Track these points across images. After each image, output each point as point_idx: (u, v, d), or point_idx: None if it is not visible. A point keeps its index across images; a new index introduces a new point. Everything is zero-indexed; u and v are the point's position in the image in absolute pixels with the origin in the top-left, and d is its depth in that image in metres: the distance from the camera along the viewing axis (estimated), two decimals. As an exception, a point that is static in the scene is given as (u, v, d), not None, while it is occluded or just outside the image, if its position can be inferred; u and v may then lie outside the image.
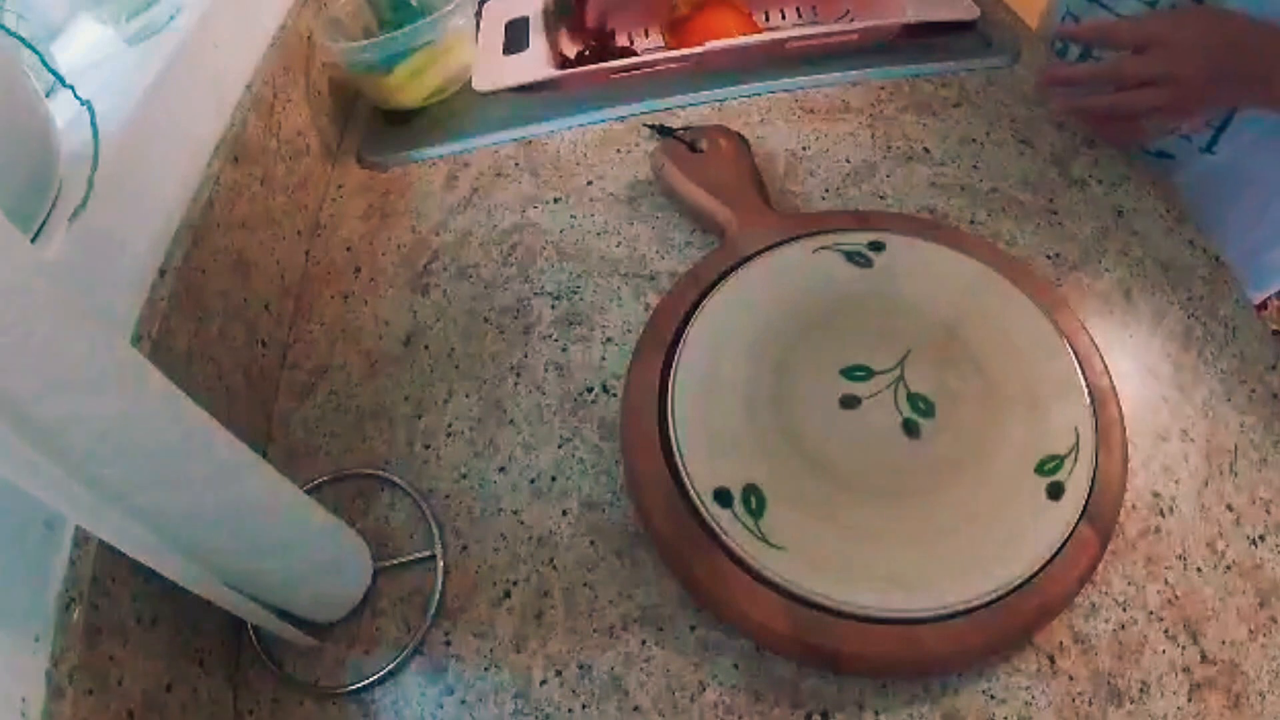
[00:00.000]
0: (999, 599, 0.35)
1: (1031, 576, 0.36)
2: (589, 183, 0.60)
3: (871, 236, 0.49)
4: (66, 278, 0.37)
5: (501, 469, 0.45)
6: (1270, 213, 0.61)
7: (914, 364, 0.43)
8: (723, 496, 0.38)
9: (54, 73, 0.42)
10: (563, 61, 0.77)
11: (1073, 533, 0.37)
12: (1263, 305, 1.32)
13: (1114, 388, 0.42)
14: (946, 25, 0.67)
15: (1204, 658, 0.36)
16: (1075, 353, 0.43)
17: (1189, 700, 0.35)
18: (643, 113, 0.64)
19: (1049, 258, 0.51)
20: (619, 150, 0.62)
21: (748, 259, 0.48)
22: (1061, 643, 0.37)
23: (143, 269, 0.42)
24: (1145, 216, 0.53)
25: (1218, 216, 0.55)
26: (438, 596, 0.40)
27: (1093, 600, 0.38)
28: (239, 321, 0.48)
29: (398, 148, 0.65)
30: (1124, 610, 0.37)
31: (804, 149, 0.59)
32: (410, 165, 0.64)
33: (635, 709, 0.36)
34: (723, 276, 0.48)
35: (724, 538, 0.37)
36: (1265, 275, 0.67)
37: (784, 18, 0.81)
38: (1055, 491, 0.38)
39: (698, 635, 0.38)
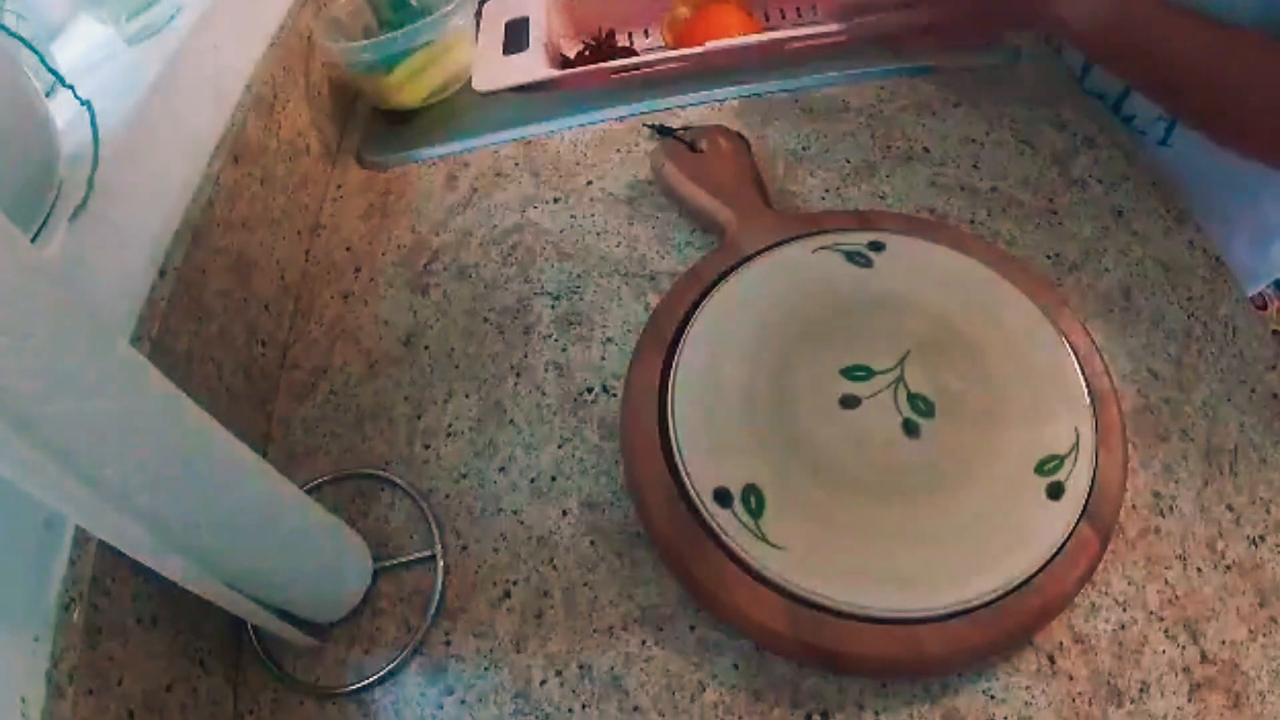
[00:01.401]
0: (999, 599, 0.35)
1: (1031, 576, 0.36)
2: (589, 183, 0.60)
3: (871, 236, 0.49)
4: (66, 278, 0.37)
5: (501, 469, 0.45)
6: (1233, 211, 0.61)
7: (914, 364, 0.43)
8: (723, 496, 0.38)
9: (54, 73, 0.42)
10: (563, 61, 0.77)
11: (1073, 533, 0.37)
12: (1263, 305, 1.32)
13: (1114, 388, 0.42)
14: (946, 25, 0.67)
15: (1204, 658, 0.36)
16: (1075, 353, 0.43)
17: (1189, 700, 0.35)
18: (643, 113, 0.64)
19: (1049, 258, 0.51)
20: (619, 150, 0.62)
21: (748, 259, 0.48)
22: (1061, 643, 0.37)
23: (143, 269, 0.42)
24: (1145, 216, 0.53)
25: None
26: (438, 596, 0.40)
27: (1093, 600, 0.38)
28: (239, 321, 0.48)
29: (398, 148, 0.65)
30: (1124, 610, 0.37)
31: (804, 149, 0.59)
32: (410, 165, 0.64)
33: (635, 709, 0.36)
34: (723, 276, 0.48)
35: (724, 538, 0.37)
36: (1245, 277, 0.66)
37: (784, 18, 0.81)
38: (1055, 491, 0.38)
39: (698, 635, 0.38)
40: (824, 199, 0.56)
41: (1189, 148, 0.58)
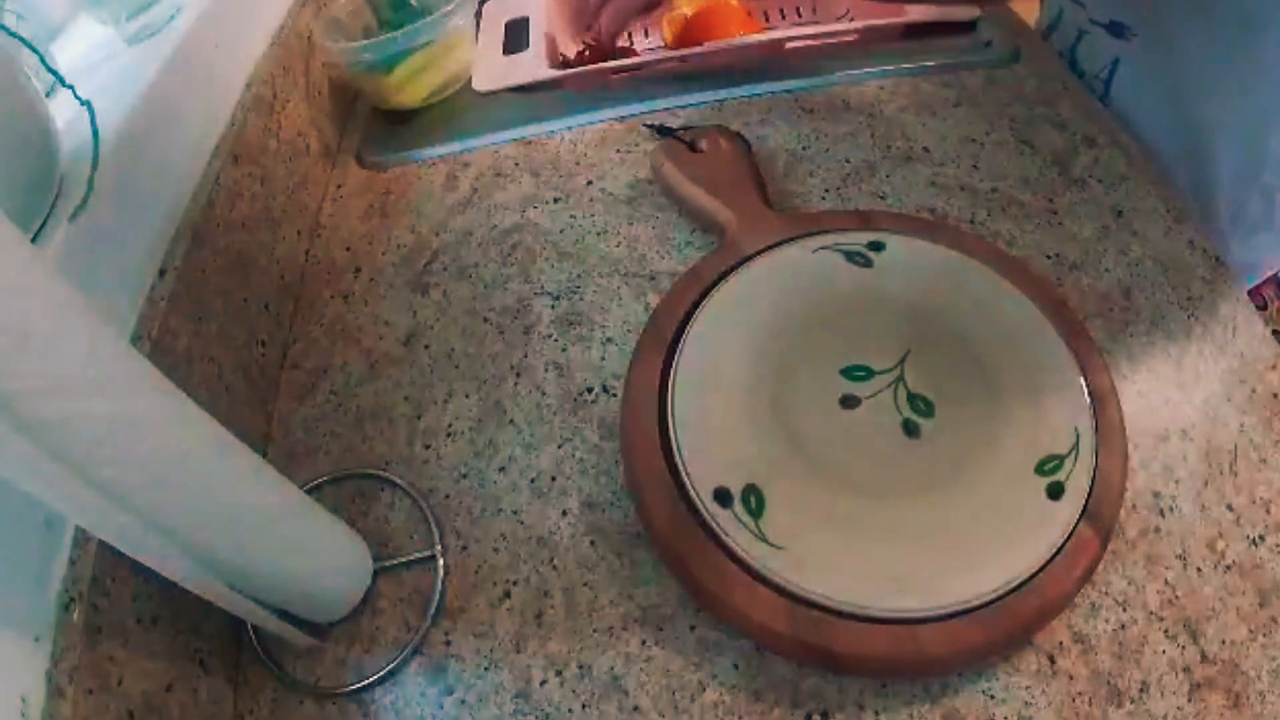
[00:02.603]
0: (999, 599, 0.35)
1: (1031, 576, 0.36)
2: (589, 183, 0.60)
3: (871, 236, 0.49)
4: (66, 278, 0.37)
5: (501, 469, 0.45)
6: (1172, 169, 0.60)
7: (914, 364, 0.43)
8: (723, 496, 0.38)
9: (54, 73, 0.42)
10: (563, 61, 0.77)
11: (1073, 533, 0.37)
12: (1263, 305, 1.32)
13: (1114, 388, 0.42)
14: (946, 25, 0.67)
15: (1204, 658, 0.36)
16: (1075, 352, 0.43)
17: (1189, 700, 0.35)
18: (643, 113, 0.64)
19: (1049, 258, 0.51)
20: (619, 150, 0.62)
21: (748, 259, 0.48)
22: (1061, 643, 0.37)
23: (143, 269, 0.42)
24: (1145, 216, 0.53)
25: None
26: (438, 596, 0.40)
27: (1093, 600, 0.38)
28: (239, 321, 0.48)
29: (398, 148, 0.65)
30: (1124, 610, 0.37)
31: (804, 149, 0.59)
32: (410, 165, 0.64)
33: (635, 709, 0.36)
34: (723, 276, 0.48)
35: (724, 538, 0.37)
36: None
37: (784, 18, 0.81)
38: (1055, 491, 0.38)
39: (698, 635, 0.38)
40: (824, 199, 0.56)
41: (1126, 103, 0.57)
